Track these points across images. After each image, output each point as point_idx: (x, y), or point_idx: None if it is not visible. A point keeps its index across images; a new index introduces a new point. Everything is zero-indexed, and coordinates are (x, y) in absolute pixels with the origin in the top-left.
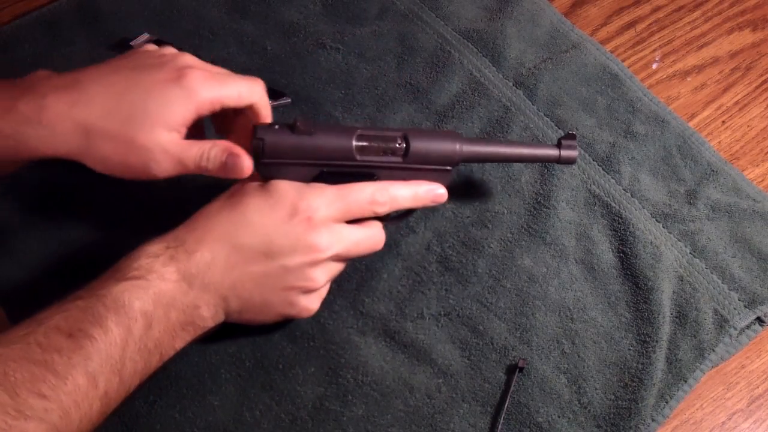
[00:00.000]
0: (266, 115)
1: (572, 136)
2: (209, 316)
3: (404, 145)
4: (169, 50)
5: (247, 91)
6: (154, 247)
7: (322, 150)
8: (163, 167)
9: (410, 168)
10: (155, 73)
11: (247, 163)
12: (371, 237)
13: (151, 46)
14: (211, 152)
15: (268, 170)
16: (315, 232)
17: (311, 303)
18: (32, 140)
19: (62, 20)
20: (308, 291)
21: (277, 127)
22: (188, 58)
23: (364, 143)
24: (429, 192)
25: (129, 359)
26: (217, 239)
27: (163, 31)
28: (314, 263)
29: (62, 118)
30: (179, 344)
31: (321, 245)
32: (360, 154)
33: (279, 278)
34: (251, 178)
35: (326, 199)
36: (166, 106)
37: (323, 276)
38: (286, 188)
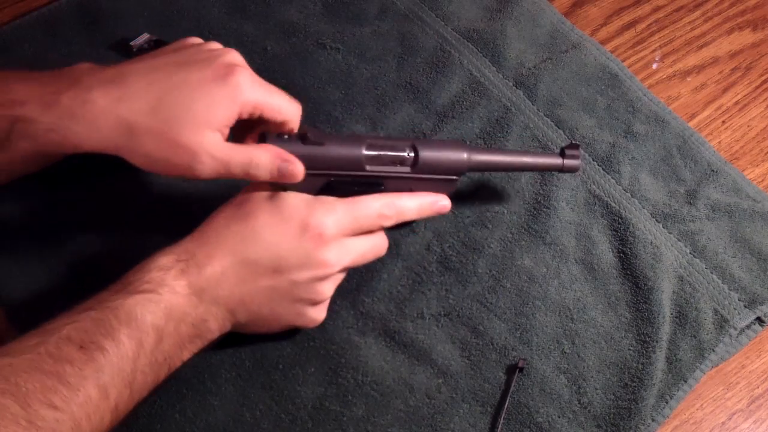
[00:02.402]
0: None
1: (575, 146)
2: (216, 328)
3: (413, 155)
4: (216, 45)
5: (288, 108)
6: (165, 260)
7: (331, 160)
8: (208, 169)
9: (417, 178)
10: (202, 70)
11: (300, 168)
12: (376, 246)
13: (197, 39)
14: (261, 158)
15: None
16: (325, 249)
17: (318, 314)
18: (75, 135)
19: (62, 20)
20: (316, 303)
21: (286, 137)
22: (236, 56)
23: (373, 153)
24: (433, 204)
25: (140, 372)
26: (227, 254)
27: (163, 31)
28: (323, 278)
29: (106, 114)
30: (186, 356)
31: (331, 261)
32: (369, 164)
33: (287, 292)
34: (257, 188)
35: (336, 216)
36: (211, 106)
37: (331, 288)
38: (295, 203)
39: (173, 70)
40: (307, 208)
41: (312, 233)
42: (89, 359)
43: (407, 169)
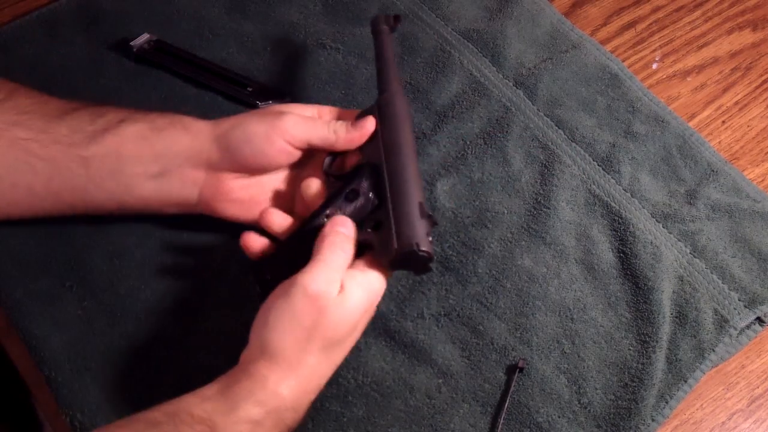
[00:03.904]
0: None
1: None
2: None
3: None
4: None
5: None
6: (256, 412)
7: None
8: (295, 139)
9: None
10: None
11: (372, 123)
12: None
13: None
14: (336, 125)
15: None
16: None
17: None
18: (184, 152)
19: (62, 20)
20: None
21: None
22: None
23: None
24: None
25: None
26: (317, 378)
27: (163, 31)
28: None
29: (205, 130)
30: None
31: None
32: None
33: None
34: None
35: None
36: (279, 125)
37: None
38: (358, 301)
39: None
40: (367, 296)
41: (374, 307)
42: None
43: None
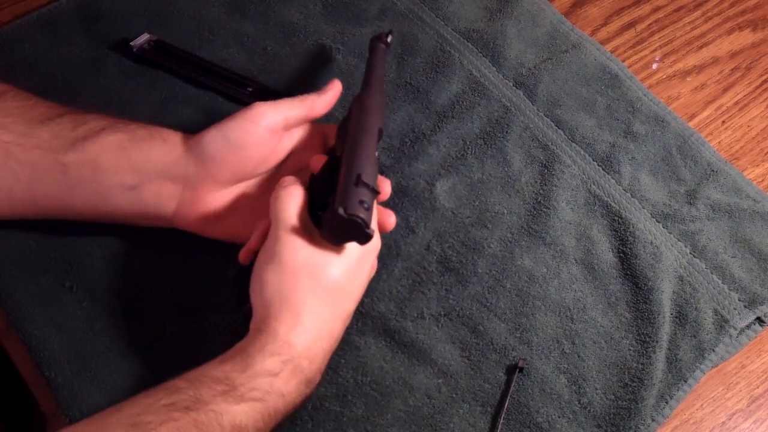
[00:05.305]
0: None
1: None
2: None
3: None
4: None
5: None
6: (271, 363)
7: None
8: (268, 132)
9: None
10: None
11: (338, 83)
12: None
13: None
14: (305, 96)
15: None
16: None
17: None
18: (161, 164)
19: (62, 20)
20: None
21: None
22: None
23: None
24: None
25: None
26: (327, 328)
27: (163, 31)
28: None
29: (181, 142)
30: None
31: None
32: None
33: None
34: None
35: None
36: (251, 113)
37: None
38: (363, 249)
39: None
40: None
41: (370, 259)
42: None
43: None
